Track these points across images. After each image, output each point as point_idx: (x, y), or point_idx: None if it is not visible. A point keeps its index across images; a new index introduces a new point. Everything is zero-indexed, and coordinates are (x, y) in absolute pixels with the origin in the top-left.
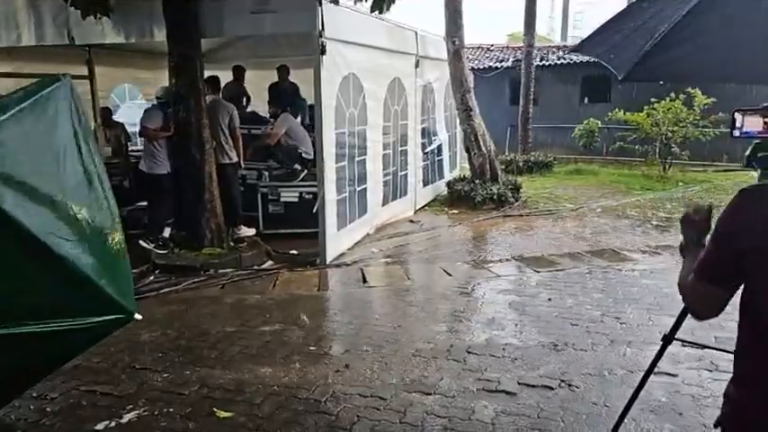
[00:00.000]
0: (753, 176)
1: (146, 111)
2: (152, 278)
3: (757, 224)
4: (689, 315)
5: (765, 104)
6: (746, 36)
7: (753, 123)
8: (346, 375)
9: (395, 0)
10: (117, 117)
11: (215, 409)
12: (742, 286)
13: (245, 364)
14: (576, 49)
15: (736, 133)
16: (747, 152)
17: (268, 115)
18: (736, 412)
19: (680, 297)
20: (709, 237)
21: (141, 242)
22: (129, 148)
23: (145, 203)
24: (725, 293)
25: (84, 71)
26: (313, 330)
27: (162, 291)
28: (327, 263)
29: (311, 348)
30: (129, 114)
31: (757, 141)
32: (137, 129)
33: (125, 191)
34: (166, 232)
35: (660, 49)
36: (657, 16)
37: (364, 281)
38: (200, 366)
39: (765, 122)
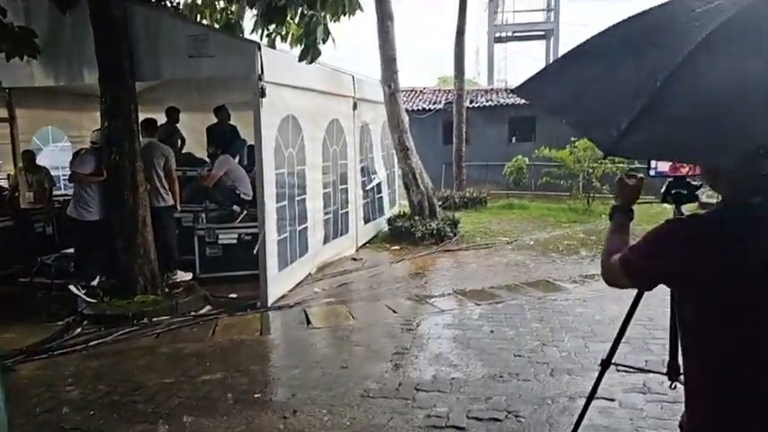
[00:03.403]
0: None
1: (77, 155)
2: (80, 330)
3: (702, 253)
4: (623, 339)
5: None
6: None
7: (664, 163)
8: (295, 422)
9: (320, 52)
10: (40, 161)
11: None
12: (693, 316)
13: (186, 417)
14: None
15: (652, 173)
16: (663, 189)
17: (206, 155)
18: None
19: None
20: (638, 250)
21: (71, 287)
22: (54, 193)
23: (71, 250)
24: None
25: (4, 113)
26: (257, 376)
27: (91, 343)
28: (269, 305)
29: (256, 396)
30: (54, 158)
31: (670, 179)
32: (60, 173)
33: (48, 238)
34: (95, 281)
35: (546, 83)
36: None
37: (308, 322)
38: (136, 422)
39: (673, 163)
